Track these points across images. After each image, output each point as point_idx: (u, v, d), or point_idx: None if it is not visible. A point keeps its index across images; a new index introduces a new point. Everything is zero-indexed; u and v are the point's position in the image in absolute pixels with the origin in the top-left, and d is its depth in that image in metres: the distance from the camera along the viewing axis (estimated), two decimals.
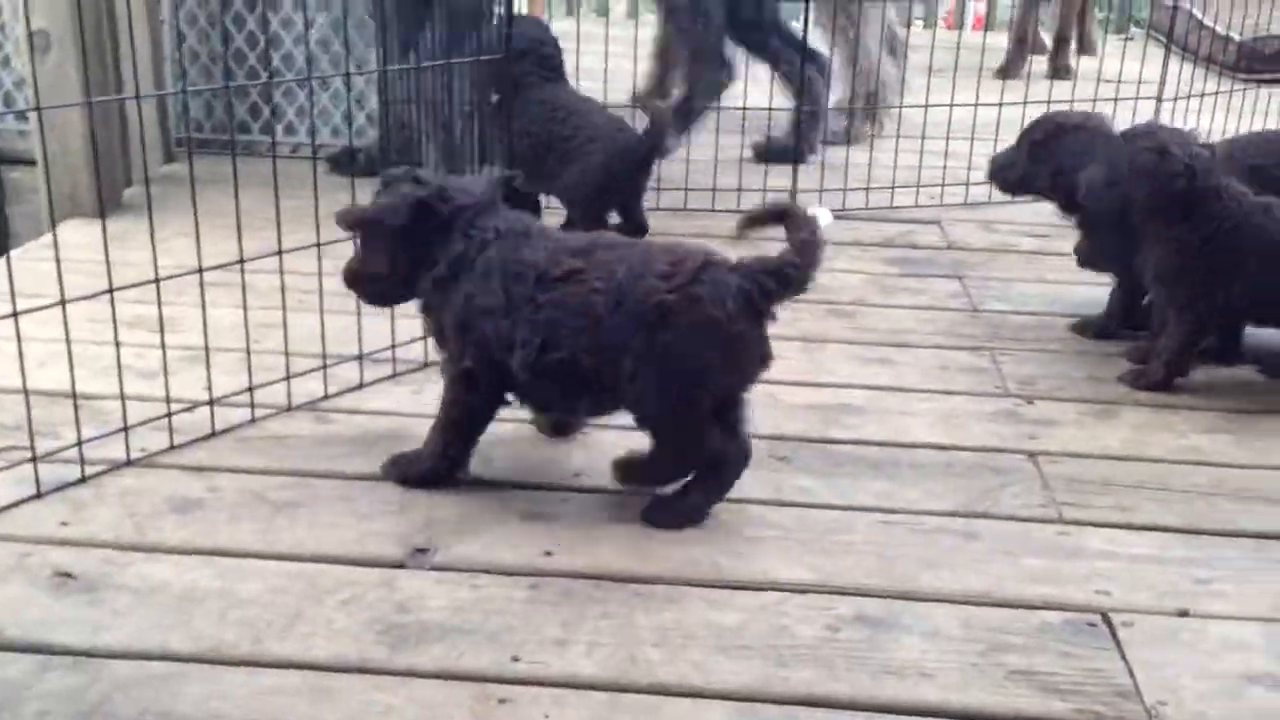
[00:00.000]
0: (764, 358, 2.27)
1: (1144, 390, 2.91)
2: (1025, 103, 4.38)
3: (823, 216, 4.15)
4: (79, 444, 2.39)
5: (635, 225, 3.73)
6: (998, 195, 4.29)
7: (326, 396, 2.76)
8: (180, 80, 4.62)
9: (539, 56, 3.81)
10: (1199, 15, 6.57)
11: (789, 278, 2.22)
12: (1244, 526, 2.34)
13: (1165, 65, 4.47)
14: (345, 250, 2.54)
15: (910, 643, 1.98)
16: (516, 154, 3.51)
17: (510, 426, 2.64)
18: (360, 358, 2.82)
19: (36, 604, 2.00)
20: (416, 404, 2.75)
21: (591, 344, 2.22)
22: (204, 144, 4.73)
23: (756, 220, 2.35)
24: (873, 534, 2.29)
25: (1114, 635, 2.01)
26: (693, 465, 2.32)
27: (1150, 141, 2.85)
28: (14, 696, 1.78)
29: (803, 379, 2.94)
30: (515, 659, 1.92)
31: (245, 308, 2.68)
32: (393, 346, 2.85)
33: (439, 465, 2.41)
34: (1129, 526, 2.33)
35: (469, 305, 2.31)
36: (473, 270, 2.31)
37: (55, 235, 2.32)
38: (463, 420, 2.41)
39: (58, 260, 2.33)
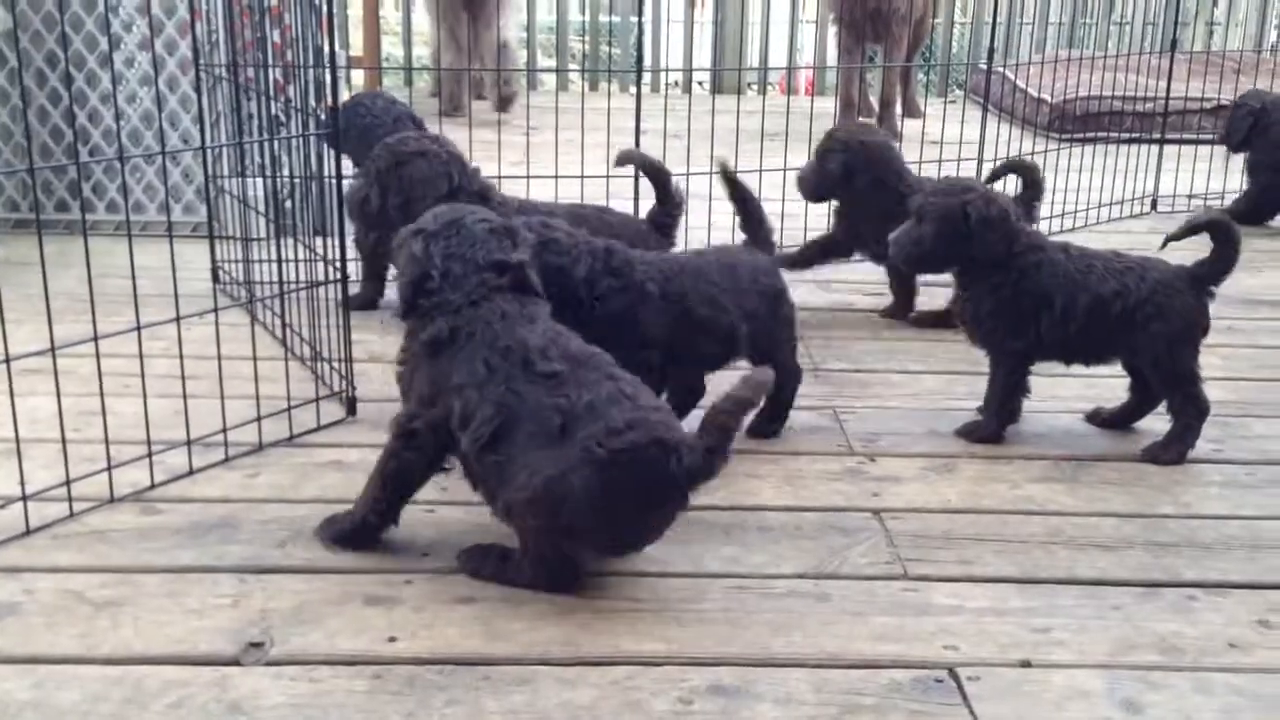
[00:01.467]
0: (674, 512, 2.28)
1: (978, 442, 2.98)
2: None
3: None
4: None
5: None
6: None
7: (153, 485, 2.62)
8: None
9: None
10: (1014, 79, 6.91)
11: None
12: (1079, 574, 2.41)
13: (984, 126, 4.67)
14: (169, 332, 2.44)
15: (764, 710, 1.97)
16: None
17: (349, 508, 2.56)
18: (189, 443, 2.70)
19: None
20: (250, 489, 2.64)
21: (526, 453, 2.19)
22: (20, 224, 4.52)
23: None
24: (725, 601, 2.28)
25: (961, 690, 2.03)
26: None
27: (970, 195, 2.97)
28: None
29: None
30: None
31: (59, 395, 2.54)
32: (224, 430, 2.74)
33: (369, 518, 2.39)
34: (971, 579, 2.37)
35: (446, 374, 2.29)
36: (468, 343, 2.30)
37: None
38: (399, 475, 2.38)
39: None
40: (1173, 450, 2.91)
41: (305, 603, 2.23)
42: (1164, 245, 3.09)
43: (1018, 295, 2.93)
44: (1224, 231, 2.90)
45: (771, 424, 2.99)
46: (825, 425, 3.10)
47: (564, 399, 2.20)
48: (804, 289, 4.19)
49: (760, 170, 4.30)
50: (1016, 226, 2.95)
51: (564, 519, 2.16)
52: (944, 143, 4.78)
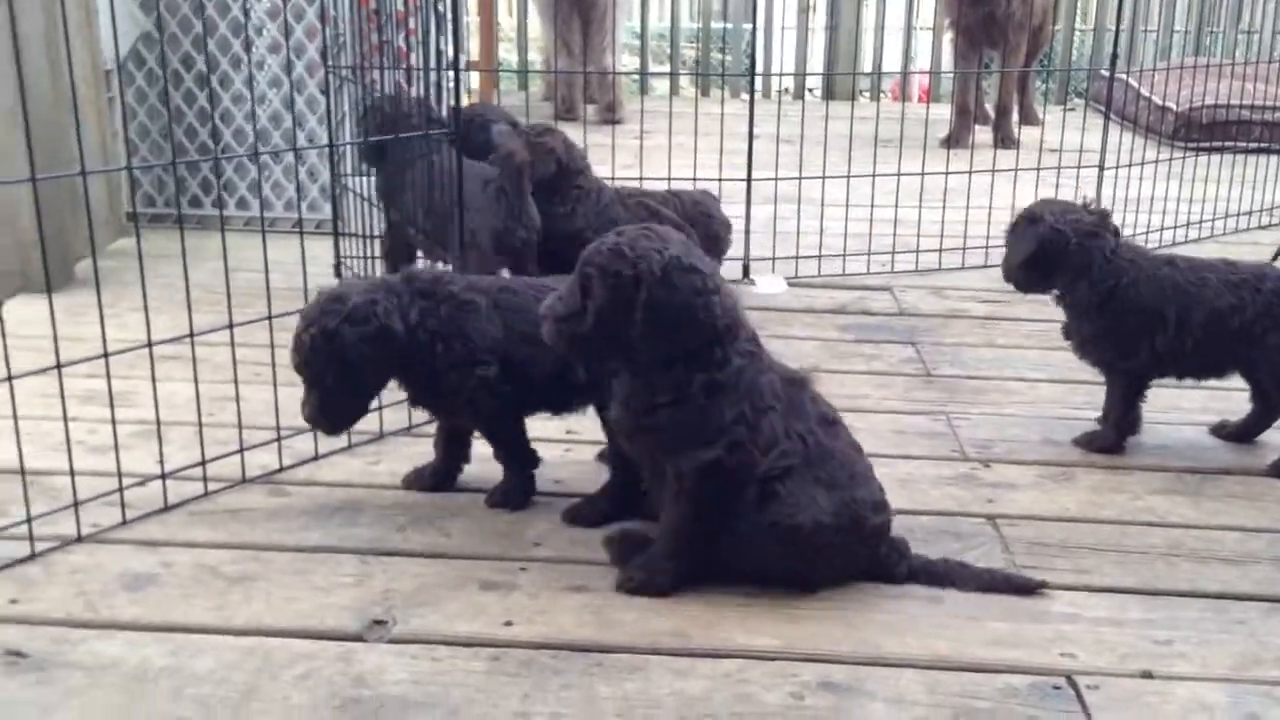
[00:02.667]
0: None
1: (1097, 452, 2.93)
2: (970, 171, 4.49)
3: (776, 284, 4.21)
4: (28, 521, 2.33)
5: None
6: (948, 261, 4.41)
7: (281, 469, 2.72)
8: (136, 154, 4.62)
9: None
10: (1137, 86, 6.76)
11: None
12: (1202, 587, 2.36)
13: (1105, 135, 4.58)
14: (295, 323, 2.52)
15: (876, 709, 1.97)
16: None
17: (466, 497, 2.62)
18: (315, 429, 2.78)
19: None
20: (371, 475, 2.72)
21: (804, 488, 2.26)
22: (156, 219, 4.70)
23: None
24: (837, 600, 2.28)
25: (1080, 698, 2.01)
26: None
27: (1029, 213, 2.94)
28: None
29: None
30: None
31: (196, 381, 2.65)
32: None
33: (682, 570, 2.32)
34: (1089, 588, 2.34)
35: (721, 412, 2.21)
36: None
37: (0, 313, 2.28)
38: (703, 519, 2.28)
39: (3, 337, 2.29)
40: None
41: (424, 585, 2.29)
42: (1276, 256, 3.00)
43: (1121, 313, 2.86)
44: None
45: None
46: (938, 430, 3.07)
47: (848, 458, 2.29)
48: (917, 294, 4.18)
49: (873, 175, 4.30)
50: (1098, 244, 2.87)
51: (808, 555, 2.23)
52: (1063, 150, 4.71)
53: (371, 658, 2.06)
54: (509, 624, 2.18)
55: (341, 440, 2.83)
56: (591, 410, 2.62)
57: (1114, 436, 2.95)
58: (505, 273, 3.32)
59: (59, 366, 2.36)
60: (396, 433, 2.92)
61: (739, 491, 2.23)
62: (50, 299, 2.37)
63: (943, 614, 2.24)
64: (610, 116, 6.86)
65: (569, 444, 2.87)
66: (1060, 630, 2.19)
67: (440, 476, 2.69)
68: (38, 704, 1.89)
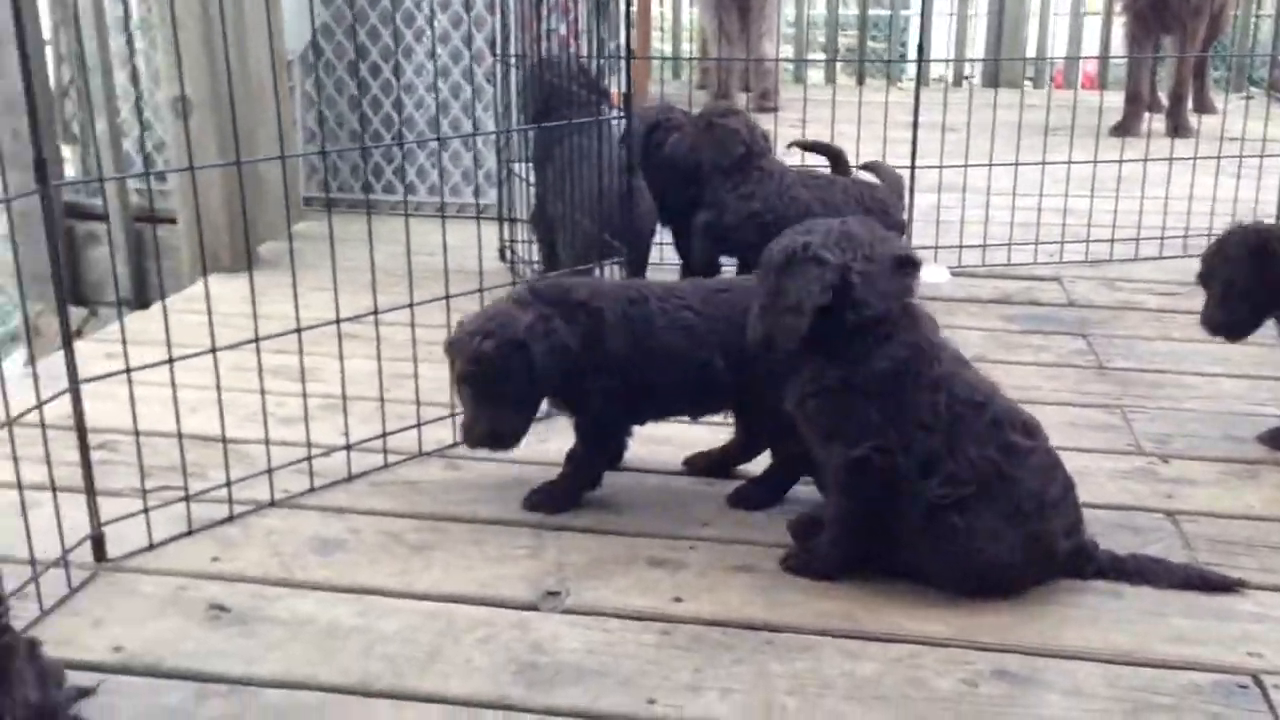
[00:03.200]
0: None
1: None
2: (1146, 160, 4.36)
3: (939, 274, 4.15)
4: (228, 485, 2.47)
5: None
6: (1120, 252, 4.29)
7: (455, 444, 2.80)
8: (310, 143, 4.82)
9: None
10: None
11: None
12: None
13: None
14: (471, 304, 2.60)
15: (1053, 700, 1.94)
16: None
17: (633, 477, 2.67)
18: None
19: (192, 635, 2.07)
20: (540, 452, 2.78)
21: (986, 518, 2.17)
22: (330, 203, 4.88)
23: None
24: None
25: (1267, 699, 1.94)
26: None
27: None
28: None
29: None
30: (651, 702, 1.92)
31: (380, 358, 2.75)
32: None
33: (842, 562, 2.30)
34: (1278, 588, 2.26)
35: (900, 406, 2.17)
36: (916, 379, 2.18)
37: (206, 288, 2.41)
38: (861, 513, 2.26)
39: (209, 311, 2.43)
40: None
41: (595, 559, 2.35)
42: None
43: None
44: None
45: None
46: (1113, 424, 3.00)
47: (1035, 483, 2.18)
48: (1088, 285, 4.07)
49: (1043, 164, 4.21)
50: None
51: (990, 585, 2.20)
52: (1245, 139, 4.53)
53: (547, 626, 2.12)
54: (678, 600, 2.21)
55: None
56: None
57: None
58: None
59: (257, 340, 2.49)
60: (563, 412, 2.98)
61: (891, 493, 2.18)
62: (251, 276, 2.50)
63: (1124, 608, 2.19)
64: (765, 104, 6.85)
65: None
66: (1246, 629, 2.12)
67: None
68: (242, 655, 2.01)
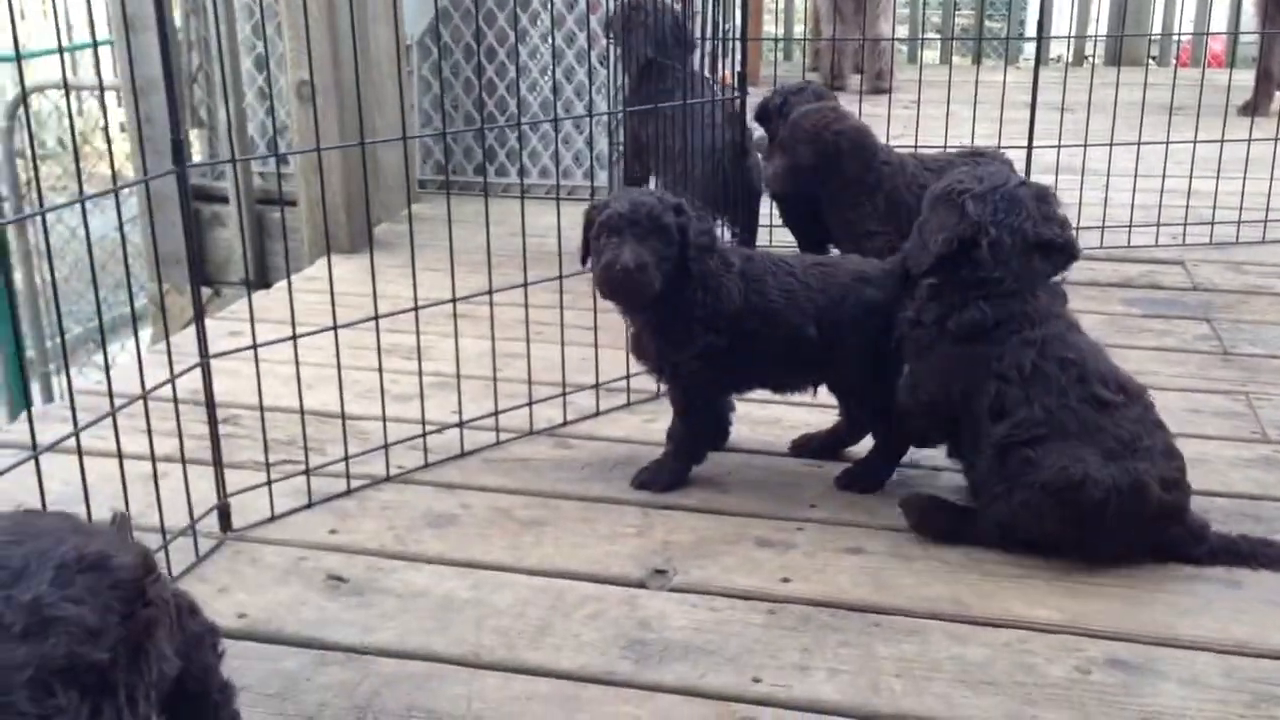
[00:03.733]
0: None
1: None
2: (1277, 139, 4.20)
3: None
4: (345, 459, 2.55)
5: None
6: (1247, 235, 4.14)
7: (565, 423, 2.86)
8: (425, 126, 4.91)
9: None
10: None
11: None
12: None
13: None
14: (582, 285, 2.63)
15: (1169, 689, 1.91)
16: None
17: (740, 457, 2.68)
18: (597, 386, 2.91)
19: (312, 604, 2.14)
20: (648, 432, 2.81)
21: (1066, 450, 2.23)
22: (443, 186, 4.97)
23: None
24: (1123, 577, 2.21)
25: None
26: None
27: None
28: (295, 688, 1.91)
29: None
30: (756, 680, 1.94)
31: (494, 337, 2.81)
32: (627, 376, 2.92)
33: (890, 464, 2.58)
34: None
35: (983, 359, 2.28)
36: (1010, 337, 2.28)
37: (330, 267, 2.49)
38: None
39: (331, 290, 2.50)
40: None
41: (703, 539, 2.37)
42: None
43: None
44: None
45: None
46: (1238, 410, 2.91)
47: (1124, 431, 2.19)
48: (1212, 269, 3.95)
49: (1166, 142, 4.09)
50: None
51: (1080, 513, 2.17)
52: None
53: (655, 603, 2.15)
54: (786, 580, 2.22)
55: (620, 398, 2.94)
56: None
57: None
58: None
59: (376, 318, 2.56)
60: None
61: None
62: (371, 257, 2.57)
63: (1241, 598, 2.14)
64: (880, 84, 6.76)
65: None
66: None
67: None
68: (358, 624, 2.08)
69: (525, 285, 2.77)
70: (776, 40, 6.56)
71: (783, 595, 2.18)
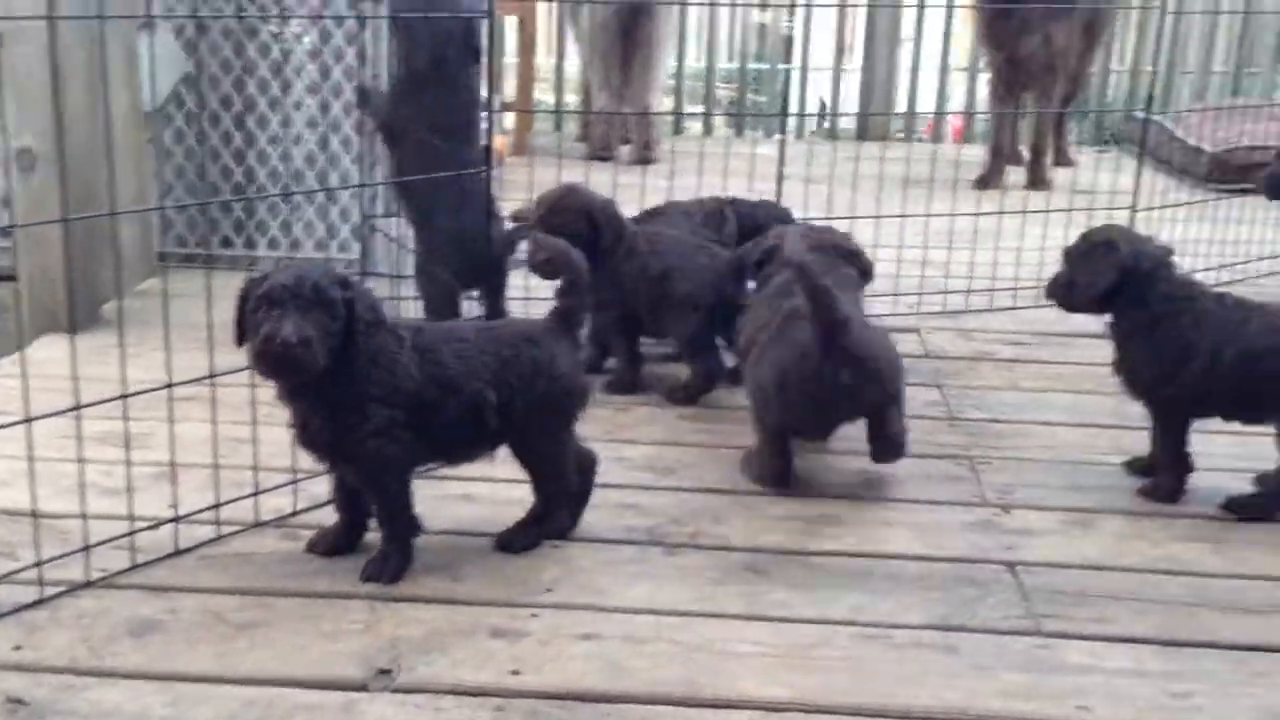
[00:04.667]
0: None
1: (1162, 502, 2.87)
2: (1001, 213, 4.46)
3: None
4: (38, 565, 2.34)
5: None
6: (976, 303, 4.37)
7: (295, 512, 2.72)
8: (165, 197, 4.68)
9: None
10: (1170, 128, 6.70)
11: None
12: (1224, 638, 2.30)
13: (1139, 176, 4.53)
14: None
15: None
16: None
17: (480, 541, 2.61)
18: (329, 472, 2.78)
19: None
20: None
21: None
22: (188, 259, 4.75)
23: None
24: (850, 649, 2.24)
25: None
26: None
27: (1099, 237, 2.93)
28: None
29: (782, 489, 2.91)
30: None
31: (215, 422, 2.66)
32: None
33: None
34: (1108, 639, 2.29)
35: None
36: None
37: (22, 354, 2.31)
38: None
39: (24, 376, 2.31)
40: None
41: (433, 631, 2.28)
42: None
43: (1165, 340, 2.81)
44: None
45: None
46: (961, 475, 3.03)
47: None
48: (944, 336, 4.14)
49: (902, 216, 4.28)
50: (1164, 273, 2.85)
51: None
52: (1096, 192, 4.66)
53: (374, 708, 2.04)
54: (516, 673, 2.15)
55: None
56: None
57: (1173, 481, 2.88)
58: None
59: (78, 408, 2.38)
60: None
61: None
62: (118, 336, 2.39)
63: (956, 663, 2.20)
64: (647, 155, 6.88)
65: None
66: (1076, 682, 2.14)
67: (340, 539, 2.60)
68: None
69: (250, 367, 2.63)
70: (543, 111, 6.60)
71: (512, 689, 2.11)
